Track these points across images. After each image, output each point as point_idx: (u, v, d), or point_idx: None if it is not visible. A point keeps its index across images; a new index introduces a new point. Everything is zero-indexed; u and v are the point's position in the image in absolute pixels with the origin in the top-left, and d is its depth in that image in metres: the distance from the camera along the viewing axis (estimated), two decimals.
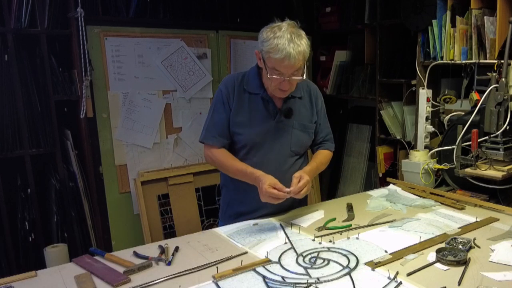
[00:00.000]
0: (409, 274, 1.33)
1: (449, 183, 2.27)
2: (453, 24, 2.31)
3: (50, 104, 2.62)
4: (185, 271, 1.39)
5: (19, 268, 2.55)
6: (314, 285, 1.28)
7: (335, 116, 3.57)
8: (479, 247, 1.51)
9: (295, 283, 1.29)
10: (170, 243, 1.61)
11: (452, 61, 2.35)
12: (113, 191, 2.93)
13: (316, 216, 1.87)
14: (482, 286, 1.25)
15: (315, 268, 1.39)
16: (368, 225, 1.74)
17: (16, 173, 2.61)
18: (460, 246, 1.48)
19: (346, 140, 3.71)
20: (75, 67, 2.71)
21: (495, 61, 2.08)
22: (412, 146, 2.77)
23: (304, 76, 1.69)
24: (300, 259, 1.46)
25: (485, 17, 2.14)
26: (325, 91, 3.59)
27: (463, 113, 2.29)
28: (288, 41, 1.58)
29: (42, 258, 2.53)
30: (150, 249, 1.57)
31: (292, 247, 1.55)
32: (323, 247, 1.55)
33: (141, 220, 2.92)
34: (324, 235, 1.64)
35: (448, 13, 2.34)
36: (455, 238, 1.54)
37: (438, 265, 1.39)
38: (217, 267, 1.38)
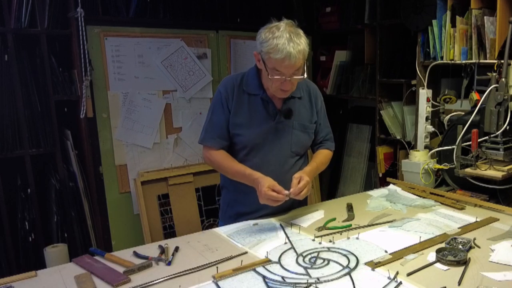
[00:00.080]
0: (409, 274, 1.33)
1: (449, 183, 2.27)
2: (453, 24, 2.31)
3: (50, 104, 2.62)
4: (185, 271, 1.39)
5: (19, 268, 2.55)
6: (314, 285, 1.28)
7: (335, 116, 3.57)
8: (479, 247, 1.51)
9: (295, 283, 1.29)
10: (170, 243, 1.61)
11: (452, 61, 2.35)
12: (113, 191, 2.93)
13: (316, 216, 1.87)
14: (482, 286, 1.25)
15: (315, 268, 1.39)
16: (368, 225, 1.74)
17: (16, 173, 2.61)
18: (460, 246, 1.48)
19: (346, 140, 3.71)
20: (75, 67, 2.71)
21: (495, 61, 2.08)
22: (412, 146, 2.77)
23: (305, 75, 1.69)
24: (300, 259, 1.46)
25: (485, 17, 2.14)
26: (325, 91, 3.59)
27: (463, 113, 2.29)
28: (287, 41, 1.58)
29: (42, 258, 2.53)
30: (150, 249, 1.57)
31: (292, 247, 1.55)
32: (323, 247, 1.55)
33: (141, 220, 2.92)
34: (324, 235, 1.64)
35: (448, 13, 2.34)
36: (455, 238, 1.54)
37: (438, 265, 1.39)
38: (217, 267, 1.38)
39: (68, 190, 2.71)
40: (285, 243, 1.59)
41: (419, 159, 2.33)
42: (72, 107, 2.81)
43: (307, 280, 1.31)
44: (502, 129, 1.97)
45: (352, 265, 1.40)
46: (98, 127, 2.84)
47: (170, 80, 3.05)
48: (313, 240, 1.61)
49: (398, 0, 2.73)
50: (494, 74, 2.01)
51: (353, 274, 1.34)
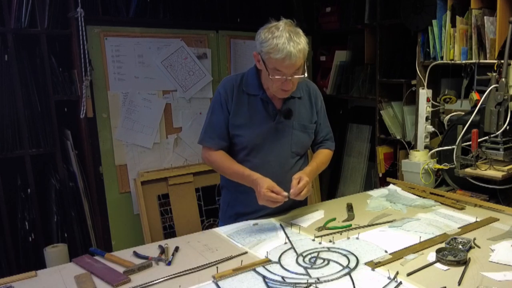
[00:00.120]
0: (409, 274, 1.33)
1: (449, 183, 2.27)
2: (453, 24, 2.31)
3: (50, 104, 2.62)
4: (185, 271, 1.39)
5: (19, 268, 2.55)
6: (314, 285, 1.28)
7: (335, 116, 3.57)
8: (479, 247, 1.51)
9: (295, 283, 1.29)
10: (170, 243, 1.61)
11: (452, 61, 2.35)
12: (113, 191, 2.93)
13: (316, 216, 1.87)
14: (482, 286, 1.25)
15: (315, 268, 1.39)
16: (368, 225, 1.74)
17: (16, 173, 2.61)
18: (460, 246, 1.48)
19: (346, 140, 3.71)
20: (75, 67, 2.71)
21: (495, 61, 2.08)
22: (412, 146, 2.77)
23: (305, 74, 1.69)
24: (300, 259, 1.46)
25: (485, 17, 2.14)
26: (325, 91, 3.59)
27: (463, 113, 2.29)
28: (287, 40, 1.58)
29: (42, 258, 2.53)
30: (150, 249, 1.57)
31: (292, 247, 1.55)
32: (323, 247, 1.55)
33: (141, 220, 2.92)
34: (324, 235, 1.64)
35: (448, 13, 2.34)
36: (455, 238, 1.54)
37: (438, 265, 1.39)
38: (217, 267, 1.38)
39: (68, 190, 2.71)
40: (285, 243, 1.59)
41: (419, 159, 2.33)
42: (72, 107, 2.81)
43: (307, 280, 1.31)
44: (502, 129, 1.97)
45: (352, 265, 1.40)
46: (98, 127, 2.84)
47: (170, 80, 3.05)
48: (313, 240, 1.61)
49: (398, 0, 2.73)
50: (494, 74, 2.01)
51: (353, 274, 1.34)
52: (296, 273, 1.36)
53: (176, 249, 1.56)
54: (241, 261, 1.44)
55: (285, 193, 1.63)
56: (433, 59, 2.49)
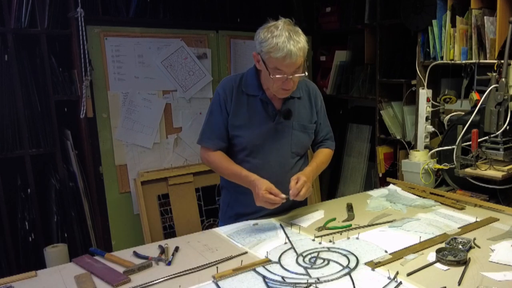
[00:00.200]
0: (409, 274, 1.33)
1: (449, 183, 2.27)
2: (453, 24, 2.31)
3: (50, 104, 2.62)
4: (185, 271, 1.39)
5: (19, 268, 2.55)
6: (314, 285, 1.28)
7: (335, 116, 3.57)
8: (479, 247, 1.51)
9: (295, 283, 1.29)
10: (170, 243, 1.61)
11: (452, 61, 2.35)
12: (113, 191, 2.93)
13: (316, 216, 1.87)
14: (482, 286, 1.25)
15: (315, 268, 1.39)
16: (368, 225, 1.74)
17: (16, 173, 2.61)
18: (460, 246, 1.48)
19: (346, 140, 3.71)
20: (75, 67, 2.71)
21: (495, 61, 2.08)
22: (412, 146, 2.77)
23: (306, 73, 1.69)
24: (300, 259, 1.46)
25: (485, 17, 2.14)
26: (325, 91, 3.59)
27: (463, 113, 2.29)
28: (287, 39, 1.58)
29: (42, 258, 2.53)
30: (150, 249, 1.57)
31: (292, 247, 1.55)
32: (323, 247, 1.55)
33: (141, 220, 2.92)
34: (324, 235, 1.64)
35: (448, 13, 2.34)
36: (455, 238, 1.54)
37: (438, 265, 1.39)
38: (217, 267, 1.38)
39: (68, 190, 2.71)
40: (285, 243, 1.59)
41: (419, 159, 2.33)
42: (72, 107, 2.81)
43: (307, 280, 1.31)
44: (502, 129, 1.97)
45: (352, 265, 1.40)
46: (98, 127, 2.84)
47: (170, 80, 3.05)
48: (313, 240, 1.61)
49: (398, 0, 2.73)
50: (494, 74, 2.01)
51: (353, 274, 1.34)
52: (296, 273, 1.36)
53: (176, 249, 1.56)
54: (241, 261, 1.44)
55: (283, 195, 1.64)
56: (433, 59, 2.49)
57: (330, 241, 1.59)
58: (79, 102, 2.70)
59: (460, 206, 1.94)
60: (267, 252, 1.50)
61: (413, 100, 2.75)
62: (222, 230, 1.74)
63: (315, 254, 1.49)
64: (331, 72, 3.58)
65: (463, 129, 2.09)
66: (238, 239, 1.64)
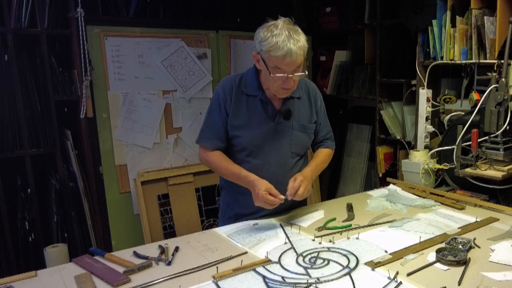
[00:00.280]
0: (409, 274, 1.33)
1: (449, 183, 2.27)
2: (453, 24, 2.31)
3: (50, 104, 2.62)
4: (185, 271, 1.39)
5: (19, 268, 2.55)
6: (314, 285, 1.28)
7: (335, 116, 3.57)
8: (479, 247, 1.51)
9: (295, 283, 1.29)
10: (170, 243, 1.61)
11: (452, 61, 2.35)
12: (113, 191, 2.93)
13: (316, 216, 1.87)
14: (482, 286, 1.25)
15: (315, 268, 1.39)
16: (368, 225, 1.74)
17: (16, 173, 2.61)
18: (460, 246, 1.48)
19: (346, 140, 3.71)
20: (75, 67, 2.71)
21: (495, 61, 2.08)
22: (412, 146, 2.77)
23: (306, 72, 1.69)
24: (300, 259, 1.46)
25: (485, 17, 2.14)
26: (325, 91, 3.59)
27: (463, 113, 2.29)
28: (287, 38, 1.58)
29: (42, 258, 2.53)
30: (150, 249, 1.57)
31: (292, 247, 1.55)
32: (323, 247, 1.55)
33: (141, 220, 2.92)
34: (324, 235, 1.64)
35: (448, 13, 2.34)
36: (455, 238, 1.54)
37: (438, 265, 1.39)
38: (217, 267, 1.38)
39: (68, 190, 2.71)
40: (285, 243, 1.59)
41: (419, 159, 2.33)
42: (72, 107, 2.81)
43: (307, 280, 1.31)
44: (502, 129, 1.97)
45: (352, 265, 1.40)
46: (98, 127, 2.84)
47: (170, 80, 3.05)
48: (313, 240, 1.61)
49: (398, 0, 2.73)
50: (494, 74, 2.01)
51: (353, 274, 1.34)
52: (296, 273, 1.36)
53: (176, 249, 1.56)
54: (241, 261, 1.44)
55: (282, 196, 1.64)
56: (433, 59, 2.49)
57: (330, 241, 1.59)
58: (79, 102, 2.70)
59: (460, 206, 1.94)
60: (267, 252, 1.50)
61: (413, 100, 2.75)
62: (222, 230, 1.74)
63: (315, 254, 1.49)
64: (331, 72, 3.58)
65: (463, 129, 2.09)
66: (238, 239, 1.64)
